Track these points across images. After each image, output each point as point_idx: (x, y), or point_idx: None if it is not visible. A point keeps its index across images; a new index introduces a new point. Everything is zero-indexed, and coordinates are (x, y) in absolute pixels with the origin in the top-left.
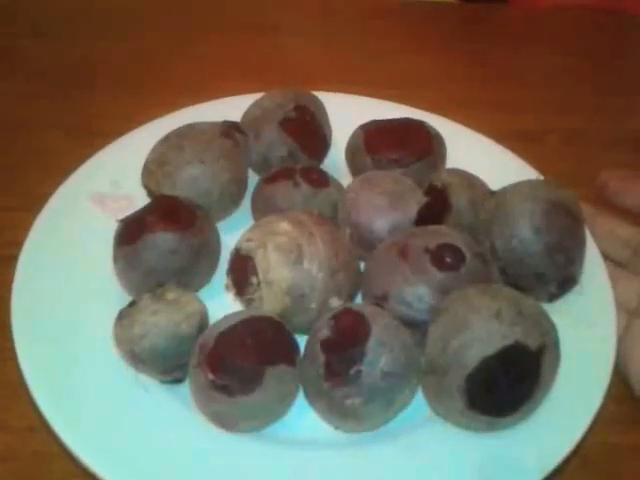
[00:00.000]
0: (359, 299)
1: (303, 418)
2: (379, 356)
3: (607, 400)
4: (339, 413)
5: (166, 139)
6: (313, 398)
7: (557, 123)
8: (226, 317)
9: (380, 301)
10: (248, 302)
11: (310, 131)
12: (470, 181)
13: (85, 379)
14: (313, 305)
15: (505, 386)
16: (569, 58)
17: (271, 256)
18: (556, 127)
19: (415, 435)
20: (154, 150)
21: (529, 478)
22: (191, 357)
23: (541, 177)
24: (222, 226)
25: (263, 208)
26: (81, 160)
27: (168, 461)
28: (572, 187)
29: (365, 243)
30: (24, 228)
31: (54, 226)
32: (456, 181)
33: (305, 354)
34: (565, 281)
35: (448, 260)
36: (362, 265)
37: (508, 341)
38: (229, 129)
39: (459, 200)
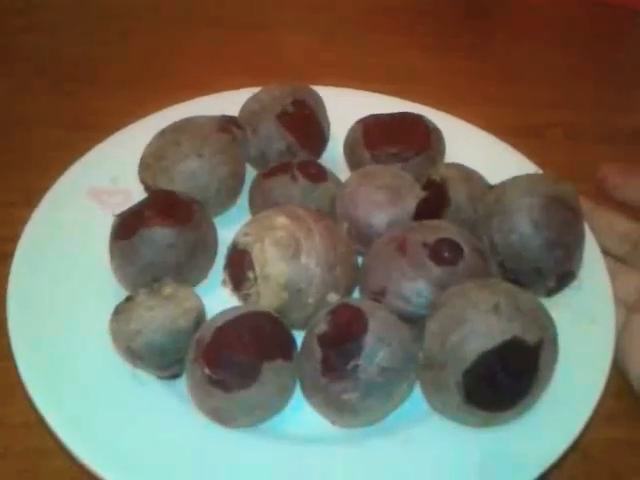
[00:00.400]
0: (357, 294)
1: (300, 413)
2: (376, 351)
3: (606, 395)
4: (336, 408)
5: (163, 133)
6: (310, 393)
7: (556, 117)
8: (223, 312)
9: (378, 296)
10: (245, 297)
11: (308, 125)
12: (469, 175)
13: (81, 375)
14: (310, 300)
15: (503, 381)
16: (569, 53)
17: (268, 251)
18: (556, 121)
19: (413, 430)
20: (151, 144)
21: (528, 473)
22: (188, 352)
23: (540, 171)
24: (219, 221)
25: (261, 203)
26: (78, 155)
27: (165, 456)
28: (571, 181)
29: (363, 238)
30: (21, 223)
31: (51, 221)
32: (455, 175)
33: (302, 349)
34: (564, 276)
35: (446, 255)
36: (360, 260)
37: (506, 336)
38: (227, 123)
39: (458, 194)
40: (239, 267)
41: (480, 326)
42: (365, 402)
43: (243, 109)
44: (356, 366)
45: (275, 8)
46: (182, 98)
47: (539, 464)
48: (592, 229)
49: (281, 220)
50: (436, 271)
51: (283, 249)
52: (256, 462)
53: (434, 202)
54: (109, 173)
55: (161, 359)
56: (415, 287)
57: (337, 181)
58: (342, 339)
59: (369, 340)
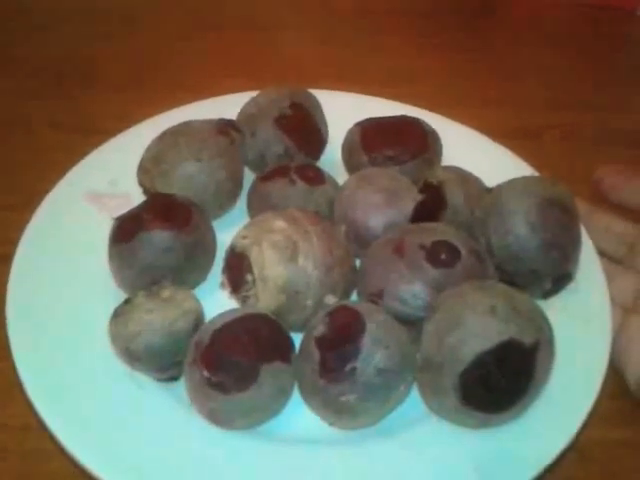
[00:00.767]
0: (354, 296)
1: (298, 415)
2: (374, 353)
3: (602, 396)
4: (334, 410)
5: (162, 137)
6: (308, 395)
7: (554, 119)
8: (221, 315)
9: (375, 298)
10: (243, 300)
11: (306, 128)
12: (465, 178)
13: (80, 377)
14: (308, 302)
15: (500, 382)
16: (566, 54)
17: (266, 253)
18: (553, 123)
19: (411, 431)
20: (150, 148)
21: (525, 473)
22: (186, 355)
23: (536, 173)
24: (218, 223)
25: (259, 206)
26: (77, 158)
27: (163, 459)
28: (568, 183)
29: (361, 240)
30: (20, 226)
31: (50, 224)
32: (451, 178)
33: (300, 351)
34: (560, 277)
35: (443, 257)
36: (358, 262)
37: (503, 337)
38: (225, 127)
39: (454, 197)
40: (237, 270)
41: (477, 328)
42: (363, 404)
43: (241, 112)
44: (354, 368)
45: (274, 10)
46: (181, 100)
47: (536, 465)
48: (589, 231)
49: (279, 223)
50: (433, 273)
51: (281, 252)
52: (254, 464)
53: (431, 205)
54: (108, 176)
55: (160, 361)
56: (412, 289)
57: (335, 184)
58: (340, 341)
59: (367, 342)
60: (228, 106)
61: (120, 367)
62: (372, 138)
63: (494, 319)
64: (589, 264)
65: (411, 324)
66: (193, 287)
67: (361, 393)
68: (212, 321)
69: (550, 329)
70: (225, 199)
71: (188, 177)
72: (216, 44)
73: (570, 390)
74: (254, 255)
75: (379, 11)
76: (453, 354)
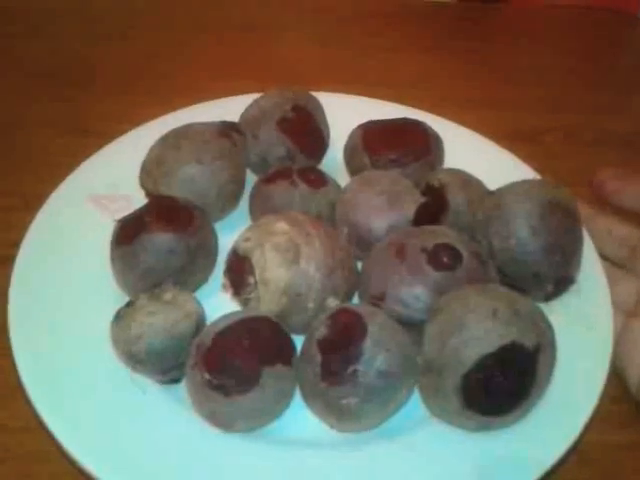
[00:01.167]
0: (356, 299)
1: (300, 418)
2: (375, 356)
3: (604, 399)
4: (336, 413)
5: (164, 139)
6: (310, 398)
7: (556, 122)
8: (223, 317)
9: (377, 301)
10: (245, 302)
11: (308, 131)
12: (467, 181)
13: (82, 379)
14: (310, 305)
15: (501, 386)
16: (566, 56)
17: (268, 256)
18: (553, 126)
19: (412, 435)
20: (152, 150)
21: (527, 476)
22: (188, 357)
23: (538, 176)
24: (220, 226)
25: (261, 208)
26: (79, 160)
27: (164, 461)
28: (570, 186)
29: (362, 243)
30: (22, 228)
31: (52, 226)
32: (453, 181)
33: (302, 354)
34: (562, 281)
35: (445, 260)
36: (359, 265)
37: (504, 341)
38: (227, 129)
39: (456, 200)
40: (239, 272)
41: (478, 331)
42: (364, 407)
43: (243, 115)
44: (355, 371)
45: (275, 12)
46: (182, 102)
47: (538, 468)
48: (590, 235)
49: (281, 225)
50: (435, 276)
51: (283, 254)
52: (255, 467)
53: (433, 207)
54: (110, 179)
55: (161, 364)
56: (414, 292)
57: (337, 187)
58: (341, 344)
59: (368, 345)
60: (230, 108)
61: (121, 369)
62: (374, 141)
63: (496, 322)
64: (591, 267)
65: (412, 327)
66: (195, 289)
67: (363, 396)
68: (214, 323)
69: (552, 332)
70: (227, 201)
71: (190, 179)
72: (218, 46)
73: (572, 393)
74: (256, 257)
75: (381, 14)
76: (455, 357)
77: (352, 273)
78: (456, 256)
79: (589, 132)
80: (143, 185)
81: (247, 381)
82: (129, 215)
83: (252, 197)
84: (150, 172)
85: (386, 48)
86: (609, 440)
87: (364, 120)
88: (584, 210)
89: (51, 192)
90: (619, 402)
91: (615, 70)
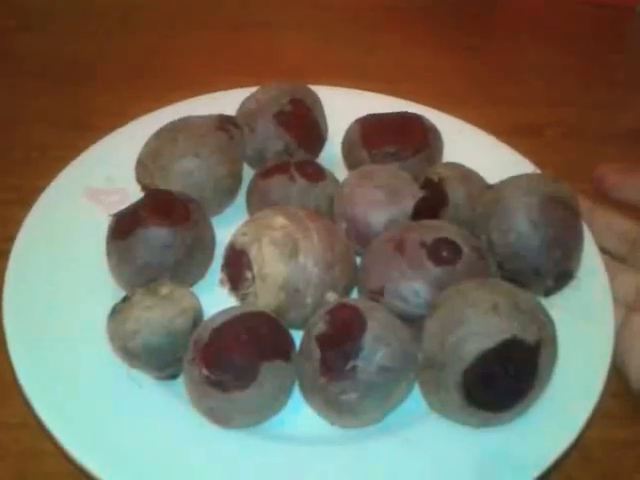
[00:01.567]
0: (355, 294)
1: (299, 414)
2: (375, 351)
3: (604, 395)
4: (335, 409)
5: (160, 133)
6: (309, 394)
7: (555, 117)
8: (221, 312)
9: (376, 296)
10: (243, 297)
11: (306, 125)
12: (467, 175)
13: (78, 375)
14: (308, 300)
15: (502, 381)
16: (568, 52)
17: (266, 250)
18: (553, 120)
19: (412, 430)
20: (148, 144)
21: (528, 473)
22: (185, 353)
23: (538, 171)
24: (217, 220)
25: (258, 202)
26: (74, 155)
27: (162, 457)
28: (569, 181)
29: (361, 237)
30: (17, 222)
31: (47, 221)
32: (453, 175)
33: (300, 349)
34: (562, 275)
35: (444, 254)
36: (358, 259)
37: (505, 335)
38: (224, 123)
39: (456, 194)
40: (237, 267)
41: (479, 326)
42: (364, 402)
43: (241, 108)
44: (355, 366)
45: (273, 7)
46: (179, 97)
47: (539, 464)
48: (590, 228)
49: (279, 220)
50: (434, 271)
51: (281, 249)
52: (255, 463)
53: (432, 202)
54: (106, 172)
55: (158, 359)
56: (413, 287)
57: (335, 181)
58: (341, 339)
59: (368, 340)
60: (227, 102)
61: (118, 365)
62: (372, 134)
63: (496, 317)
64: (591, 262)
65: (412, 322)
66: (192, 284)
67: (362, 392)
68: (211, 319)
69: (553, 327)
70: (224, 195)
71: (187, 173)
72: (215, 41)
73: (573, 389)
74: (254, 252)
75: (379, 7)
76: (455, 352)
77: (351, 268)
78: (456, 251)
79: (589, 127)
80: (139, 179)
81: (245, 377)
82: (125, 209)
83: (249, 191)
84: (146, 166)
85: (385, 43)
86: (610, 436)
87: (362, 114)
88: (584, 204)
89: (48, 187)
90: (619, 397)
91: (616, 66)
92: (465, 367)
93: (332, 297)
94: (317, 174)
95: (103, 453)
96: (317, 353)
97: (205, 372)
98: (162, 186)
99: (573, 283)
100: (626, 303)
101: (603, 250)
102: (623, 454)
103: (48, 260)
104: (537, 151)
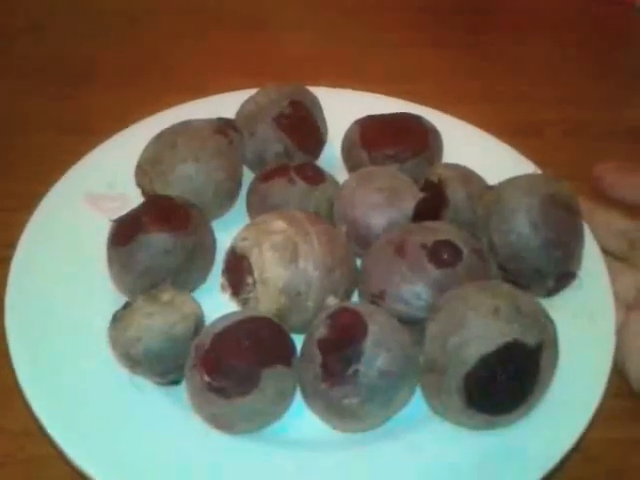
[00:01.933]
0: (356, 297)
1: (301, 419)
2: (376, 355)
3: (605, 394)
4: (337, 413)
5: (160, 137)
6: (311, 398)
7: (554, 115)
8: (222, 317)
9: (377, 299)
10: (244, 302)
11: (305, 127)
12: (467, 176)
13: (80, 382)
14: (309, 304)
15: (504, 384)
16: (567, 50)
17: (266, 255)
18: (553, 120)
19: (415, 434)
20: (147, 149)
21: (530, 474)
22: (187, 359)
23: (539, 171)
24: (217, 224)
25: (258, 206)
26: (75, 159)
27: (164, 463)
28: (571, 180)
29: (362, 240)
30: (18, 228)
31: (48, 227)
32: (453, 176)
33: (302, 354)
34: (563, 276)
35: (445, 257)
36: (358, 262)
37: (506, 339)
38: (223, 126)
39: (456, 195)
40: (238, 272)
41: (480, 329)
42: (366, 407)
43: (240, 111)
44: (356, 371)
45: (272, 8)
46: (179, 99)
47: (541, 466)
48: (590, 228)
49: (279, 224)
50: (435, 273)
51: (281, 253)
52: (257, 468)
53: (433, 203)
54: (106, 178)
55: (160, 366)
56: (414, 290)
57: (335, 183)
58: (342, 344)
59: (369, 344)
60: (226, 105)
61: (120, 371)
62: (372, 136)
63: (497, 320)
64: (592, 262)
65: (413, 325)
66: (193, 289)
67: (364, 396)
68: (212, 324)
69: (554, 329)
70: (224, 200)
71: (186, 178)
72: (214, 42)
73: (575, 390)
74: (254, 257)
75: (378, 8)
76: (457, 356)
77: (351, 271)
78: (456, 253)
79: (590, 126)
80: (139, 184)
81: (247, 383)
82: (125, 215)
83: (249, 195)
84: (146, 171)
85: (384, 43)
86: (611, 436)
87: (362, 115)
88: (584, 204)
89: (48, 192)
90: (621, 397)
91: (615, 62)
92: (466, 371)
93: (333, 301)
94: (317, 177)
95: (106, 459)
96: (318, 358)
97: (207, 378)
98: (162, 191)
99: (574, 283)
100: (626, 303)
101: (603, 249)
102: (625, 453)
103: (49, 267)
104: (537, 150)
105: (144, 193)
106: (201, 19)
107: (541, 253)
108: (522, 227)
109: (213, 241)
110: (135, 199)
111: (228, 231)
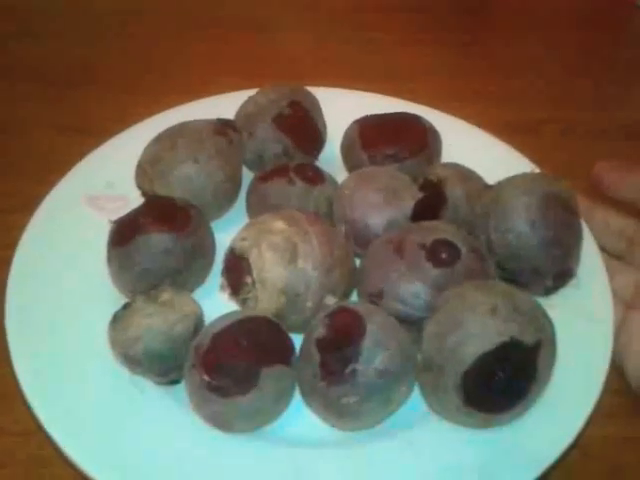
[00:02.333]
0: (355, 297)
1: (300, 418)
2: (375, 354)
3: (605, 393)
4: (336, 412)
5: (159, 138)
6: (309, 397)
7: (552, 114)
8: (221, 317)
9: (375, 298)
10: (243, 302)
11: (304, 127)
12: (465, 175)
13: (80, 382)
14: (308, 304)
15: (502, 383)
16: (566, 49)
17: (265, 255)
18: (551, 118)
19: (413, 432)
20: (147, 150)
21: (529, 472)
22: (186, 359)
23: (537, 170)
24: (217, 225)
25: (258, 206)
26: (75, 160)
27: (164, 463)
28: (568, 179)
29: (361, 240)
30: (18, 229)
31: (48, 227)
32: (451, 175)
33: (301, 354)
34: (562, 275)
35: (444, 256)
36: (357, 261)
37: (504, 337)
38: (223, 127)
39: (455, 194)
40: (237, 272)
41: (478, 328)
42: (365, 405)
43: (239, 112)
44: (355, 370)
45: (270, 9)
46: (178, 100)
47: (540, 464)
48: (589, 227)
49: (278, 224)
50: (433, 273)
51: (280, 253)
52: (256, 467)
53: (431, 202)
54: (106, 179)
55: (160, 366)
56: (412, 289)
57: (334, 183)
58: (340, 343)
59: (367, 344)
60: (226, 105)
61: (120, 371)
62: (371, 136)
63: (495, 319)
64: (591, 260)
65: (412, 324)
66: (192, 290)
67: (362, 395)
68: (212, 324)
69: (552, 328)
70: (224, 200)
71: (186, 179)
72: (213, 43)
73: (573, 387)
74: (253, 257)
75: (376, 8)
76: (454, 355)
77: (350, 271)
78: (455, 252)
79: (588, 124)
80: (139, 185)
81: (246, 382)
82: (125, 215)
83: (249, 195)
84: (146, 172)
85: (383, 42)
86: (609, 434)
87: (361, 115)
88: (582, 203)
89: (48, 193)
90: (619, 395)
91: (614, 61)
92: (464, 369)
93: (331, 301)
94: (316, 177)
95: (106, 459)
96: (317, 357)
97: (206, 378)
98: (162, 191)
99: (573, 282)
100: (624, 301)
101: (601, 248)
102: (622, 451)
103: (50, 267)
104: (535, 149)
105: (144, 194)
106: (201, 20)
107: (539, 252)
108: (520, 226)
109: (212, 241)
110: (135, 200)
111: (228, 231)
